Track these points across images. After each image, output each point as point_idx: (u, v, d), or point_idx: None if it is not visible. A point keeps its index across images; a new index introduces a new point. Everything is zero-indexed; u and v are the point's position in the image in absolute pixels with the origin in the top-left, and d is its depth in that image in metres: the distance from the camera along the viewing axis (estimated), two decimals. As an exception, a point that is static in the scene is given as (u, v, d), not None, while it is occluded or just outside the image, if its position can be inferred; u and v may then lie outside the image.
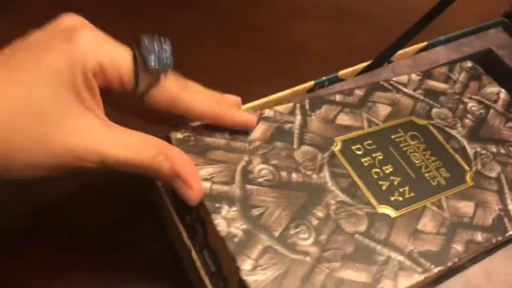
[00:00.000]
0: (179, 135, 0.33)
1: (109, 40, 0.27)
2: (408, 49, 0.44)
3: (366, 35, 0.54)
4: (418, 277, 0.30)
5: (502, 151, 0.39)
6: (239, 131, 0.34)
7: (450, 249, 0.32)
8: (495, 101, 0.43)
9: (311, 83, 0.39)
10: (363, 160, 0.35)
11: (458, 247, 0.32)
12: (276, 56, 0.49)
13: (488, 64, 0.47)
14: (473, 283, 0.31)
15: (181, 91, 0.30)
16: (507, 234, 0.34)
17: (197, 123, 0.34)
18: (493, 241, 0.33)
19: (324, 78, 0.40)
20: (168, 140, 0.33)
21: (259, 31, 0.51)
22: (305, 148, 0.35)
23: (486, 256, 0.33)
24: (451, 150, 0.38)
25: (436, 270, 0.30)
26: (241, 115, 0.33)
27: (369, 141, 0.36)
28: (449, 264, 0.31)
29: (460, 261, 0.32)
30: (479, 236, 0.33)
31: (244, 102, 0.36)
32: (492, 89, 0.44)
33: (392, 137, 0.37)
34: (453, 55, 0.45)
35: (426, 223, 0.33)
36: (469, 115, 0.41)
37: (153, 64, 0.27)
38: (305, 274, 0.28)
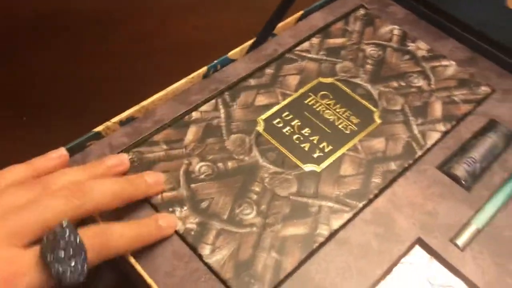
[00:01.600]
0: (124, 160, 0.38)
1: None
2: (287, 20, 0.47)
3: (248, 21, 0.57)
4: (347, 216, 0.36)
5: (403, 83, 0.44)
6: (175, 140, 0.39)
7: (370, 183, 0.37)
8: (390, 39, 0.48)
9: (204, 68, 0.43)
10: (284, 131, 0.40)
11: (376, 180, 0.38)
12: (165, 56, 0.53)
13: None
14: (380, 209, 0.36)
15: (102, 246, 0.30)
16: (417, 156, 0.39)
17: (138, 148, 0.39)
18: (406, 165, 0.39)
19: (215, 61, 0.43)
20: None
21: (142, 35, 0.55)
22: (233, 136, 0.40)
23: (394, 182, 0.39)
24: (358, 98, 0.43)
25: (361, 205, 0.36)
26: (161, 232, 0.34)
27: (287, 112, 0.41)
28: (371, 196, 0.37)
29: (380, 192, 0.37)
30: (392, 165, 0.39)
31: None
32: (386, 28, 0.49)
33: (305, 102, 0.42)
34: (329, 18, 0.49)
35: (346, 168, 0.38)
36: (369, 60, 0.46)
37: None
38: (255, 242, 0.34)
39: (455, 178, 0.38)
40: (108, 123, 0.39)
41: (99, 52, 0.54)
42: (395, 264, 0.34)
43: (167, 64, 0.52)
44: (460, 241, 0.35)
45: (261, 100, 0.42)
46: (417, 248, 0.35)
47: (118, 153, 0.38)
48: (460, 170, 0.39)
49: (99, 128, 0.38)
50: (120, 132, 0.40)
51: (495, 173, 0.39)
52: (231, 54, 0.45)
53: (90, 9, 0.58)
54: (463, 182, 0.38)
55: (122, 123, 0.40)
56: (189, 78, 0.42)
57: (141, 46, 0.55)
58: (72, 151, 0.37)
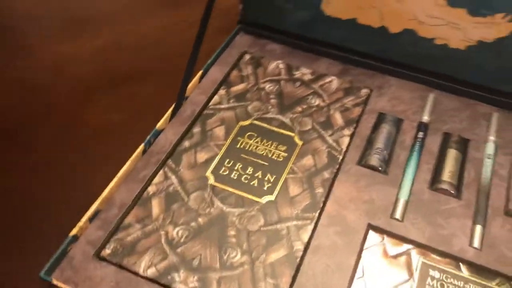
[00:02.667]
0: (108, 251, 0.40)
1: None
2: (193, 81, 0.53)
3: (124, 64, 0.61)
4: (310, 227, 0.42)
5: (304, 106, 0.52)
6: (144, 217, 0.42)
7: (315, 195, 0.44)
8: (279, 73, 0.56)
9: (141, 146, 0.46)
10: (232, 176, 0.46)
11: (319, 190, 0.45)
12: (91, 143, 0.56)
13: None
14: (331, 212, 0.44)
15: None
16: (339, 160, 0.47)
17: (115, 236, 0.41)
18: (334, 170, 0.46)
19: (148, 137, 0.47)
20: (102, 258, 0.40)
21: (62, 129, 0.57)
22: (193, 196, 0.44)
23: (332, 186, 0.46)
24: (276, 129, 0.50)
25: (316, 214, 0.43)
26: None
27: (227, 160, 0.47)
28: (321, 205, 0.44)
29: (326, 199, 0.44)
30: (325, 174, 0.46)
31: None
32: (272, 65, 0.56)
33: (237, 146, 0.48)
34: (224, 69, 0.56)
35: (293, 189, 0.45)
36: (271, 95, 0.53)
37: None
38: (251, 277, 0.39)
39: (373, 168, 0.47)
40: (80, 224, 0.41)
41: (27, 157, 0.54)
42: (361, 250, 0.41)
43: (94, 150, 0.55)
44: (398, 215, 0.43)
45: (202, 156, 0.47)
46: (371, 232, 0.43)
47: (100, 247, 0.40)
48: (374, 160, 0.47)
49: (74, 232, 0.40)
50: (93, 228, 0.42)
51: (398, 154, 0.48)
52: (159, 125, 0.49)
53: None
54: (380, 169, 0.47)
55: (91, 219, 0.42)
56: (132, 160, 0.46)
57: (67, 137, 0.55)
58: (57, 262, 0.39)
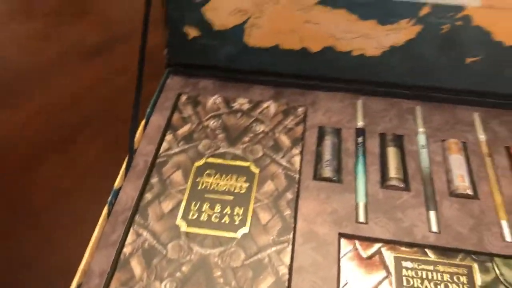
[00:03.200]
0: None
1: None
2: (138, 132, 0.53)
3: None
4: (289, 249, 0.44)
5: (251, 135, 0.54)
6: (127, 279, 0.42)
7: (285, 217, 0.46)
8: (218, 108, 0.57)
9: (105, 209, 0.46)
10: (201, 218, 0.46)
11: (287, 212, 0.47)
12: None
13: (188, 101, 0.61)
14: (303, 230, 0.46)
15: None
16: (297, 179, 0.50)
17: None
18: (296, 190, 0.49)
19: (109, 198, 0.47)
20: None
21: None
22: (170, 246, 0.44)
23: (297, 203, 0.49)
24: (231, 162, 0.51)
25: (291, 236, 0.45)
26: None
27: (193, 203, 0.47)
28: (292, 225, 0.46)
29: (295, 219, 0.47)
30: (288, 195, 0.48)
31: None
32: (209, 101, 0.58)
33: (199, 188, 0.49)
34: (165, 114, 0.56)
35: (263, 216, 0.47)
36: (217, 131, 0.54)
37: None
38: (248, 310, 0.40)
39: (327, 179, 0.50)
40: (65, 303, 0.39)
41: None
42: (339, 260, 0.44)
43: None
44: (361, 218, 0.47)
45: (167, 205, 0.47)
46: (342, 240, 0.46)
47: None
48: (327, 172, 0.50)
49: (61, 312, 0.39)
50: (79, 303, 0.41)
51: (346, 161, 0.52)
52: (116, 184, 0.48)
53: None
54: (334, 179, 0.50)
55: (74, 295, 0.41)
56: (99, 225, 0.45)
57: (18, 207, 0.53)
58: None
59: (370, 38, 0.56)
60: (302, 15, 0.56)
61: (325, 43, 0.57)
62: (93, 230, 0.44)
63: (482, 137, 0.55)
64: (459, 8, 0.53)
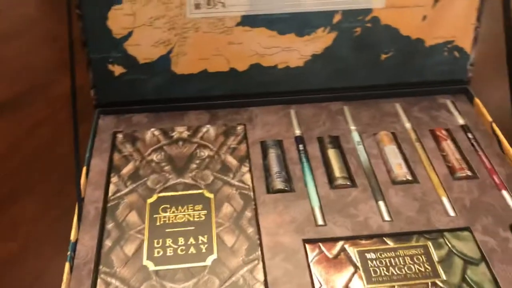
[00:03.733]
0: None
1: None
2: (82, 181, 0.52)
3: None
4: (260, 266, 0.45)
5: (197, 161, 0.54)
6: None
7: (249, 235, 0.47)
8: (158, 141, 0.57)
9: (67, 265, 0.44)
10: (168, 254, 0.46)
11: (250, 229, 0.48)
12: None
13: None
14: (269, 244, 0.47)
15: None
16: (252, 196, 0.51)
17: None
18: (253, 206, 0.50)
19: (68, 252, 0.45)
20: None
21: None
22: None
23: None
24: (184, 192, 0.51)
25: (259, 252, 0.46)
26: None
27: (155, 241, 0.47)
28: (258, 242, 0.47)
29: (259, 235, 0.48)
30: (247, 213, 0.49)
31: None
32: (147, 135, 0.57)
33: (157, 224, 0.48)
34: (104, 156, 0.55)
35: (229, 239, 0.47)
36: (162, 164, 0.54)
37: None
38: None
39: (281, 191, 0.52)
40: None
41: None
42: (308, 265, 0.46)
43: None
44: (320, 221, 0.49)
45: (129, 249, 0.46)
46: (308, 246, 0.47)
47: None
48: (278, 184, 0.52)
49: None
50: None
51: (293, 170, 0.54)
52: (72, 237, 0.46)
53: None
54: (286, 189, 0.52)
55: None
56: (64, 283, 0.43)
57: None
58: None
59: (292, 50, 0.59)
60: (224, 37, 0.57)
61: (251, 61, 0.59)
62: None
63: (408, 125, 0.59)
64: (367, 11, 0.57)
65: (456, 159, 0.55)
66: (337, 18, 0.57)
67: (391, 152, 0.55)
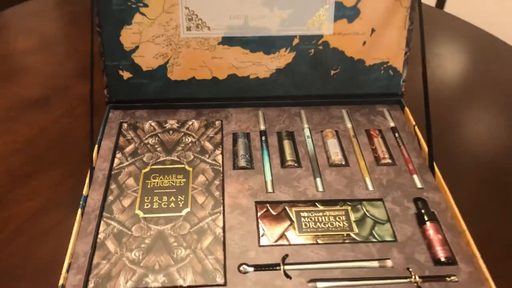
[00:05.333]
0: (91, 285, 0.53)
1: None
2: (94, 155, 0.68)
3: None
4: (221, 217, 0.60)
5: (182, 145, 0.70)
6: (105, 254, 0.56)
7: (216, 197, 0.63)
8: (154, 129, 0.73)
9: (80, 210, 0.60)
10: (154, 206, 0.61)
11: (216, 193, 0.63)
12: None
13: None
14: (229, 203, 0.63)
15: None
16: (221, 171, 0.67)
17: None
18: (221, 175, 0.66)
19: (80, 202, 0.61)
20: (91, 292, 0.52)
21: None
22: (133, 228, 0.59)
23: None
24: (170, 166, 0.67)
25: (221, 208, 0.62)
26: None
27: (145, 197, 0.63)
28: (221, 201, 0.62)
29: (223, 197, 0.63)
30: (216, 182, 0.65)
31: None
32: (146, 125, 0.74)
33: (148, 187, 0.64)
34: (112, 139, 0.72)
35: (200, 199, 0.63)
36: (156, 146, 0.70)
37: None
38: (197, 260, 0.56)
39: (243, 168, 0.67)
40: (62, 275, 0.53)
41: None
42: (257, 219, 0.61)
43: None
44: (270, 189, 0.64)
45: (126, 202, 0.62)
46: (258, 206, 0.63)
47: None
48: (242, 162, 0.68)
49: (60, 282, 0.52)
50: (72, 275, 0.54)
51: (255, 154, 0.70)
52: (84, 192, 0.62)
53: None
54: (248, 167, 0.68)
55: (67, 270, 0.54)
56: (77, 222, 0.59)
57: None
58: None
59: (261, 65, 0.75)
60: (209, 53, 0.74)
61: (229, 72, 0.76)
62: (73, 227, 0.58)
63: (349, 125, 0.75)
64: (319, 36, 0.74)
65: (382, 151, 0.70)
66: (295, 41, 0.74)
67: (332, 144, 0.71)
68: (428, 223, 0.60)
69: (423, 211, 0.61)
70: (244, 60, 0.75)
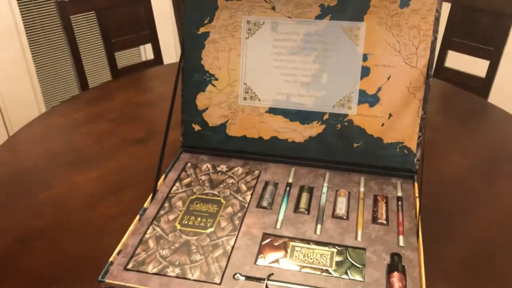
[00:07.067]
0: (130, 266, 0.75)
1: None
2: (160, 182, 0.93)
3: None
4: (234, 238, 0.79)
5: (223, 184, 0.92)
6: (146, 248, 0.78)
7: (235, 224, 0.82)
8: (208, 170, 0.96)
9: (137, 216, 0.84)
10: (189, 223, 0.83)
11: (236, 221, 0.83)
12: None
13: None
14: (244, 231, 0.82)
15: None
16: (246, 207, 0.86)
17: None
18: (244, 212, 0.85)
19: (140, 211, 0.85)
20: (127, 270, 0.74)
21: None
22: (170, 235, 0.80)
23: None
24: (210, 197, 0.88)
25: (236, 232, 0.81)
26: None
27: (186, 216, 0.84)
28: (238, 228, 0.82)
29: (241, 225, 0.82)
30: (239, 214, 0.84)
31: None
32: (203, 166, 0.97)
33: (190, 209, 0.86)
34: (176, 173, 0.97)
35: (223, 223, 0.83)
36: (205, 182, 0.92)
37: None
38: (206, 263, 0.75)
39: (264, 207, 0.86)
40: (113, 255, 0.76)
41: None
42: (261, 246, 0.79)
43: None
44: (278, 226, 0.82)
45: (171, 217, 0.84)
46: (263, 236, 0.80)
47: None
48: (264, 203, 0.87)
49: (110, 259, 0.75)
50: (120, 257, 0.77)
51: (277, 199, 0.88)
52: (145, 205, 0.86)
53: None
54: (267, 207, 0.86)
55: (118, 253, 0.77)
56: (133, 224, 0.82)
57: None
58: (104, 274, 0.73)
59: (297, 132, 0.95)
60: (258, 118, 0.96)
61: (272, 134, 0.96)
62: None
63: (362, 189, 0.90)
64: (345, 115, 0.92)
65: (381, 213, 0.84)
66: (326, 116, 0.93)
67: (341, 201, 0.87)
68: (395, 272, 0.72)
69: (395, 262, 0.74)
70: (284, 127, 0.95)
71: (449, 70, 1.59)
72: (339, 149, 0.94)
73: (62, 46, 2.36)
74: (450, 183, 0.99)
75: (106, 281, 0.72)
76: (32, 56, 2.28)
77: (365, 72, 0.90)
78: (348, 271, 0.74)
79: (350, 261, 0.75)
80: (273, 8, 0.92)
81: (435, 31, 0.87)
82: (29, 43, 2.25)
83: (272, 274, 0.73)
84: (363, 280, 0.72)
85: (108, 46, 1.64)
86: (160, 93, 1.40)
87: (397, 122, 0.90)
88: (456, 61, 1.60)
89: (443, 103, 1.32)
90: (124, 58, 2.51)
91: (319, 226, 0.82)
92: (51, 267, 0.80)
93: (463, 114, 1.26)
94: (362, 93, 0.91)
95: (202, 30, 0.95)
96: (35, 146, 1.14)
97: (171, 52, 2.55)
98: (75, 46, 1.54)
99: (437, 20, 0.86)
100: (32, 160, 1.09)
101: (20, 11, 2.18)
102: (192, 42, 0.95)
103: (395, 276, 0.72)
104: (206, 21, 0.94)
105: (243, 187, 0.91)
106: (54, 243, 0.86)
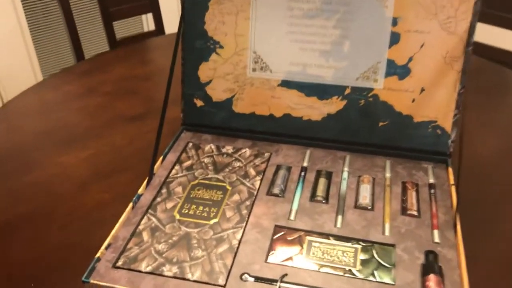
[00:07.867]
0: (120, 263, 0.64)
1: None
2: (157, 164, 0.82)
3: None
4: (241, 231, 0.68)
5: (230, 167, 0.80)
6: (139, 242, 0.67)
7: (243, 214, 0.71)
8: (212, 151, 0.84)
9: (131, 204, 0.73)
10: (190, 212, 0.72)
11: (244, 211, 0.72)
12: None
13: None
14: (252, 222, 0.71)
15: None
16: (255, 194, 0.75)
17: (122, 253, 0.66)
18: (253, 200, 0.74)
19: (134, 198, 0.74)
20: (116, 267, 0.64)
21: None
22: (167, 226, 0.70)
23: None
24: (214, 183, 0.77)
25: (244, 224, 0.70)
26: None
27: (186, 204, 0.73)
28: (246, 219, 0.71)
29: (249, 216, 0.71)
30: (247, 202, 0.73)
31: None
32: (207, 147, 0.85)
33: (191, 196, 0.75)
34: (176, 154, 0.85)
35: (229, 213, 0.72)
36: (209, 165, 0.81)
37: None
38: (209, 261, 0.64)
39: (275, 195, 0.75)
40: (100, 251, 0.65)
41: None
42: (272, 240, 0.68)
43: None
44: (292, 217, 0.71)
45: (169, 205, 0.73)
46: (276, 228, 0.69)
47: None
48: (276, 190, 0.76)
49: (98, 255, 0.64)
50: (108, 252, 0.66)
51: (290, 186, 0.77)
52: (140, 191, 0.75)
53: None
54: (279, 195, 0.75)
55: (106, 248, 0.66)
56: (126, 212, 0.71)
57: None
58: (90, 272, 0.62)
59: (314, 109, 0.83)
60: (269, 92, 0.84)
61: (285, 111, 0.85)
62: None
63: (388, 175, 0.79)
64: (370, 89, 0.80)
65: (411, 203, 0.73)
66: (347, 91, 0.81)
67: (364, 188, 0.76)
68: (431, 275, 0.61)
69: (430, 262, 0.63)
70: (299, 102, 0.84)
71: (479, 44, 1.45)
72: (362, 128, 0.83)
73: (59, 15, 2.23)
74: (485, 167, 0.87)
75: (91, 281, 0.62)
76: (28, 25, 2.16)
77: (395, 39, 0.78)
78: (375, 272, 0.63)
79: (377, 260, 0.64)
80: (288, -36, 0.79)
81: (479, -10, 0.74)
82: (25, 11, 2.13)
83: (286, 274, 0.63)
84: (393, 283, 0.61)
85: (105, 15, 1.52)
86: (160, 66, 1.28)
87: (430, 97, 0.78)
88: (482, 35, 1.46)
89: (472, 77, 1.19)
90: (125, 29, 2.38)
91: (339, 217, 0.71)
92: (31, 263, 0.70)
93: (496, 90, 1.13)
94: (390, 63, 0.78)
95: (205, -11, 0.82)
96: (19, 122, 1.03)
97: (174, 22, 2.41)
98: (70, 14, 1.42)
99: (481, -23, 0.73)
100: (16, 138, 0.98)
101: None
102: (193, 3, 0.83)
103: (432, 280, 0.61)
104: (210, -21, 0.82)
105: (252, 172, 0.79)
106: (36, 234, 0.75)
